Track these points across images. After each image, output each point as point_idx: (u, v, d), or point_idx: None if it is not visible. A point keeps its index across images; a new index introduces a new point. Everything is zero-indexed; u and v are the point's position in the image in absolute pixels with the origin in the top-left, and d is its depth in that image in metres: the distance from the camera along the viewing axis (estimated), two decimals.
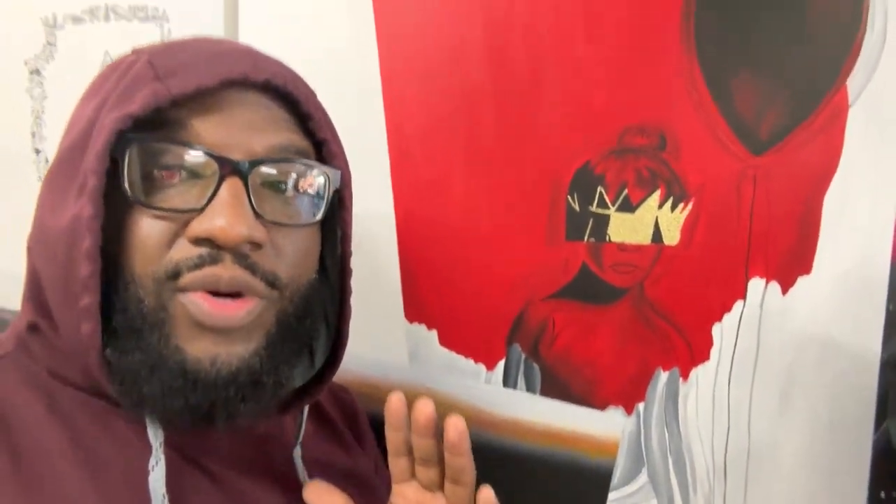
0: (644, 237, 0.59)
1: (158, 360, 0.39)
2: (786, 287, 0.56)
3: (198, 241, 0.39)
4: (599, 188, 0.59)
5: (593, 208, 0.60)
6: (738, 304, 0.57)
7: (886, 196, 0.53)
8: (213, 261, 0.39)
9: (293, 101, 0.43)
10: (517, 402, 0.62)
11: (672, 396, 0.58)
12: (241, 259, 0.39)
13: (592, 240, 0.60)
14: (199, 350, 0.39)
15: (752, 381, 0.57)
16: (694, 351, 0.58)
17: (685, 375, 0.58)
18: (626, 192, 0.59)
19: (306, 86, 0.45)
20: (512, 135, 0.62)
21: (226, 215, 0.38)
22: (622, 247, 0.59)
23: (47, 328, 0.43)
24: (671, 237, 0.58)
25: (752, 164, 0.56)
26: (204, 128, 0.40)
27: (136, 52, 0.43)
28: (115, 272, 0.39)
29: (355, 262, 0.49)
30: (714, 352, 0.57)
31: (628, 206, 0.59)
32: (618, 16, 0.58)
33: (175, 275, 0.39)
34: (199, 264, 0.39)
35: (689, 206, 0.57)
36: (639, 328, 0.59)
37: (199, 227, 0.38)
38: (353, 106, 0.67)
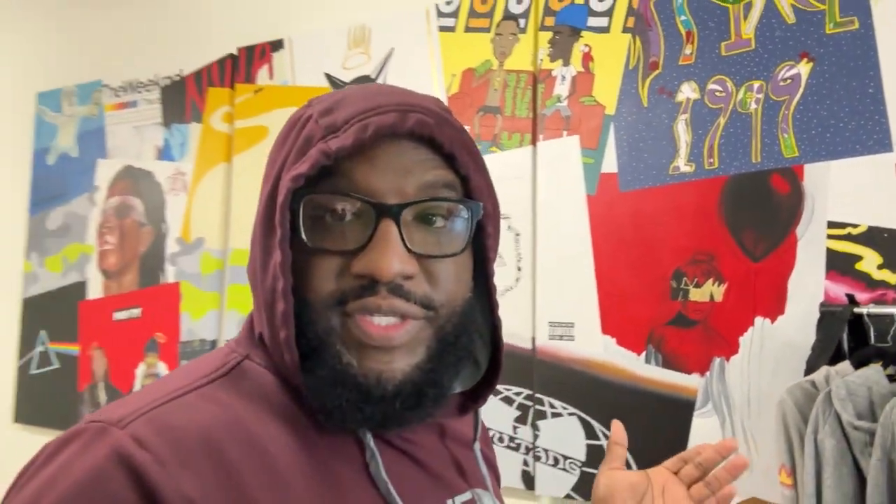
0: (705, 297, 1.34)
1: (336, 377, 0.46)
2: (773, 320, 1.29)
3: (359, 276, 0.46)
4: (684, 277, 1.36)
5: (682, 286, 1.36)
6: (751, 329, 1.30)
7: (816, 272, 1.25)
8: (373, 291, 0.46)
9: (438, 145, 0.48)
10: (652, 370, 1.39)
11: (721, 369, 1.33)
12: (397, 289, 0.46)
13: (681, 299, 1.37)
14: (366, 367, 0.47)
15: (759, 365, 1.30)
16: (731, 349, 1.32)
17: (727, 360, 1.33)
18: (696, 279, 1.35)
19: (452, 126, 0.50)
20: (647, 259, 1.41)
21: (381, 254, 0.45)
22: (695, 303, 1.35)
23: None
24: (717, 297, 1.33)
25: (753, 268, 1.30)
26: (362, 176, 0.46)
27: (310, 106, 0.50)
28: (302, 306, 0.47)
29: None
30: (741, 350, 1.31)
31: (697, 285, 1.35)
32: (690, 204, 1.36)
33: (341, 301, 0.47)
34: (361, 294, 0.46)
35: (725, 285, 1.32)
36: (706, 338, 1.34)
37: (360, 265, 0.46)
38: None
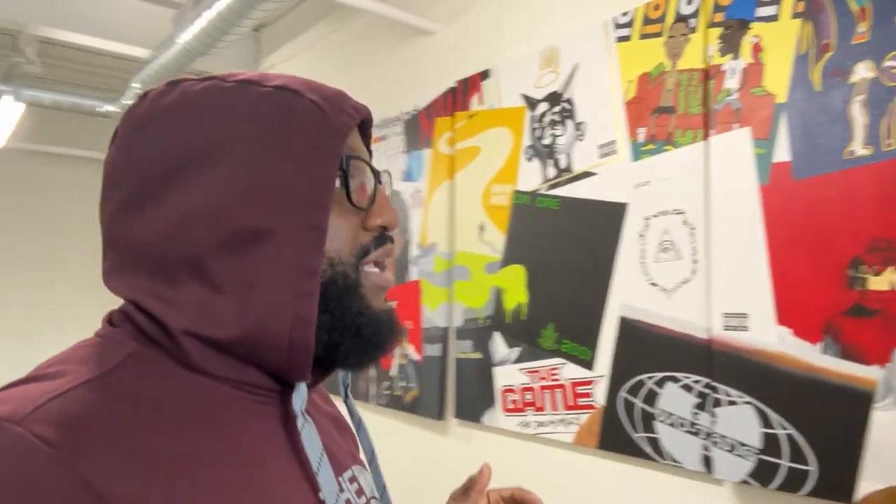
0: (884, 286, 1.27)
1: (372, 316, 0.53)
2: None
3: (376, 228, 0.55)
4: (862, 265, 1.31)
5: (860, 274, 1.31)
6: None
7: None
8: (386, 240, 0.56)
9: (366, 128, 0.60)
10: (829, 361, 1.36)
11: None
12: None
13: (859, 287, 1.31)
14: (385, 307, 0.56)
15: None
16: None
17: None
18: (875, 267, 1.29)
19: None
20: (822, 247, 1.38)
21: (392, 208, 0.56)
22: (875, 292, 1.29)
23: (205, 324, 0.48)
24: None
25: None
26: (360, 149, 0.55)
27: (293, 93, 0.52)
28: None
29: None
30: None
31: (877, 273, 1.28)
32: (868, 189, 1.30)
33: (365, 252, 0.54)
34: (381, 243, 0.55)
35: None
36: (886, 328, 1.27)
37: (381, 218, 0.55)
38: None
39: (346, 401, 0.65)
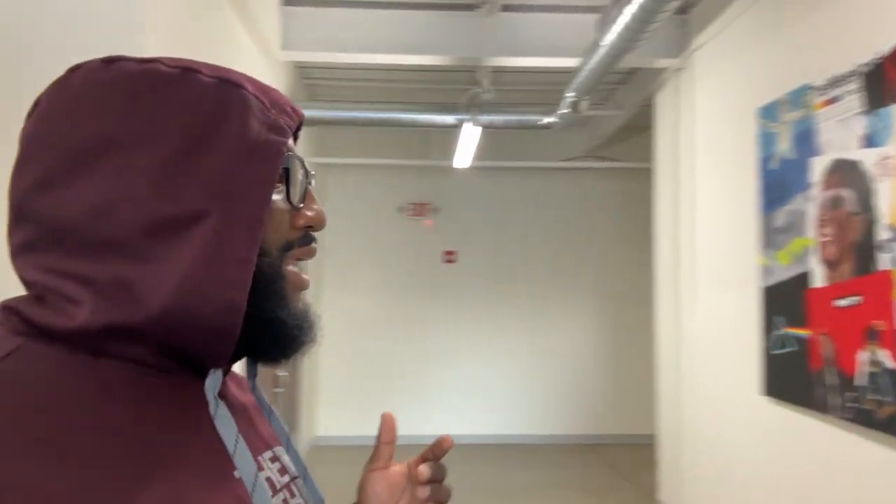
0: None
1: (293, 312, 0.53)
2: None
3: (302, 228, 0.55)
4: None
5: None
6: None
7: None
8: (311, 239, 0.56)
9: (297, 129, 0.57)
10: None
11: None
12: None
13: None
14: (301, 305, 0.55)
15: None
16: None
17: None
18: None
19: None
20: None
21: (319, 206, 0.56)
22: None
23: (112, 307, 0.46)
24: None
25: None
26: (291, 147, 0.54)
27: (236, 85, 0.51)
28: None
29: None
30: None
31: None
32: None
33: (287, 248, 0.54)
34: (306, 242, 0.55)
35: None
36: None
37: (309, 216, 0.55)
38: None
39: (252, 391, 0.63)
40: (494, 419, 5.79)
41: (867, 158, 2.06)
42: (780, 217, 2.58)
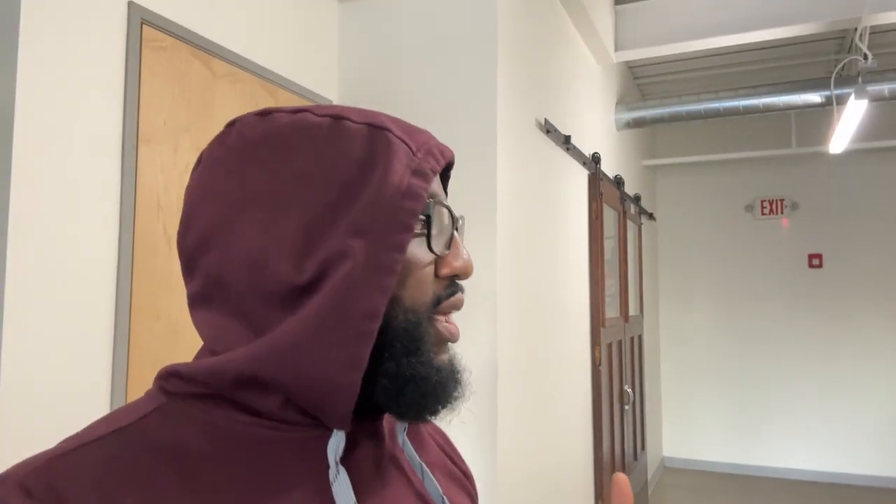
0: None
1: (434, 366, 0.49)
2: None
3: (448, 277, 0.52)
4: None
5: None
6: None
7: None
8: (457, 289, 0.53)
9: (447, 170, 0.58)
10: None
11: None
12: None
13: None
14: (447, 358, 0.52)
15: None
16: None
17: None
18: None
19: None
20: None
21: (466, 255, 0.54)
22: None
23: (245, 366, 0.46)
24: None
25: None
26: (439, 193, 0.53)
27: (384, 128, 0.50)
28: (392, 304, 0.48)
29: None
30: None
31: None
32: None
33: (437, 301, 0.51)
34: (452, 293, 0.52)
35: None
36: None
37: (456, 265, 0.52)
38: None
39: (403, 446, 0.58)
40: (864, 456, 4.73)
41: None
42: None
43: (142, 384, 1.45)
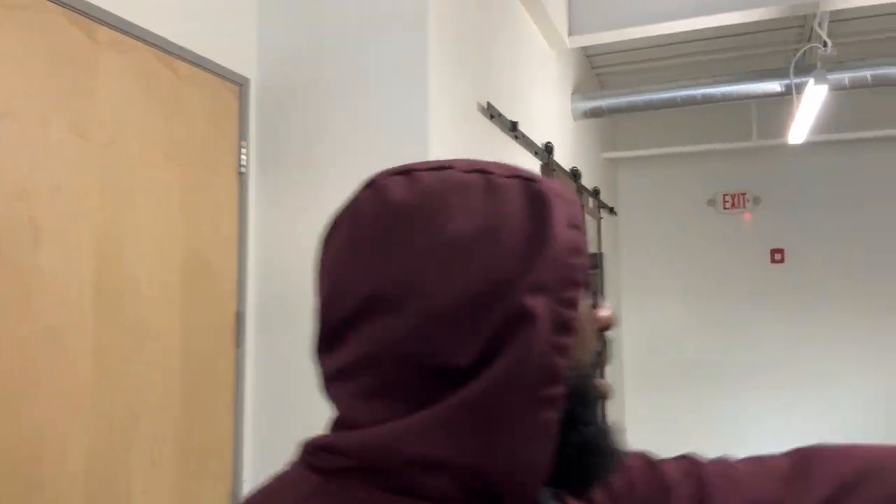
0: None
1: (602, 430, 0.47)
2: None
3: (600, 329, 0.51)
4: None
5: None
6: None
7: None
8: (605, 343, 0.52)
9: None
10: None
11: None
12: None
13: None
14: (605, 422, 0.48)
15: None
16: None
17: None
18: None
19: None
20: None
21: (610, 306, 0.52)
22: None
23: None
24: None
25: None
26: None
27: (504, 174, 0.48)
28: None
29: None
30: None
31: None
32: None
33: (598, 356, 0.50)
34: (605, 344, 0.51)
35: None
36: None
37: (609, 316, 0.51)
38: None
39: None
40: None
41: None
42: None
43: (7, 394, 1.25)
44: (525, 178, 0.48)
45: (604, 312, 0.50)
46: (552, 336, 0.43)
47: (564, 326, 0.44)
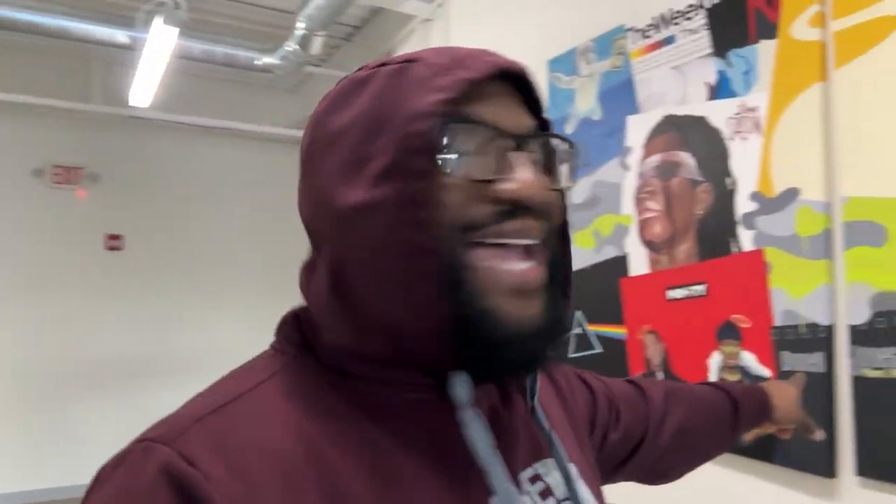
0: None
1: (485, 320, 0.45)
2: None
3: (501, 202, 0.46)
4: None
5: None
6: None
7: None
8: (513, 216, 0.47)
9: (529, 90, 0.52)
10: None
11: None
12: (539, 214, 0.48)
13: None
14: (510, 309, 0.46)
15: None
16: None
17: None
18: None
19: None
20: None
21: (530, 177, 0.47)
22: None
23: (339, 321, 0.49)
24: None
25: None
26: (490, 112, 0.48)
27: (402, 60, 0.50)
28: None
29: None
30: None
31: None
32: None
33: (471, 227, 0.46)
34: (501, 220, 0.46)
35: None
36: None
37: (510, 187, 0.46)
38: None
39: (531, 413, 0.56)
40: None
41: (717, 113, 1.65)
42: (580, 191, 2.10)
43: None
44: (413, 60, 0.49)
45: (505, 185, 0.47)
46: (402, 212, 0.45)
47: (413, 200, 0.45)
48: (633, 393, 0.80)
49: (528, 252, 0.48)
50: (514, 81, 0.51)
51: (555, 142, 0.52)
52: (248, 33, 3.48)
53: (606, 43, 2.02)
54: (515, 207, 0.47)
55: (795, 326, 1.44)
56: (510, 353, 0.47)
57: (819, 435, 1.13)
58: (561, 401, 0.68)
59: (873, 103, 1.32)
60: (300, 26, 2.69)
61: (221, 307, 4.65)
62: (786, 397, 0.98)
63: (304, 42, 2.75)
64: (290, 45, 2.79)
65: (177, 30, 2.57)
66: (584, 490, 0.57)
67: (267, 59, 2.98)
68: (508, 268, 0.47)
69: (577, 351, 2.08)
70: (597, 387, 0.76)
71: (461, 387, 0.47)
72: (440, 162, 0.45)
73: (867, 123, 1.33)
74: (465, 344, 0.46)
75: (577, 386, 0.73)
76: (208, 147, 4.59)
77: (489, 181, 0.47)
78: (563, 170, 0.53)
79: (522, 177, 0.47)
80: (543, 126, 0.53)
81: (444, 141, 0.45)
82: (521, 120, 0.50)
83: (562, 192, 0.53)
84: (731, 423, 0.89)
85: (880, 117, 1.30)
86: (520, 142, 0.48)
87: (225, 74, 4.07)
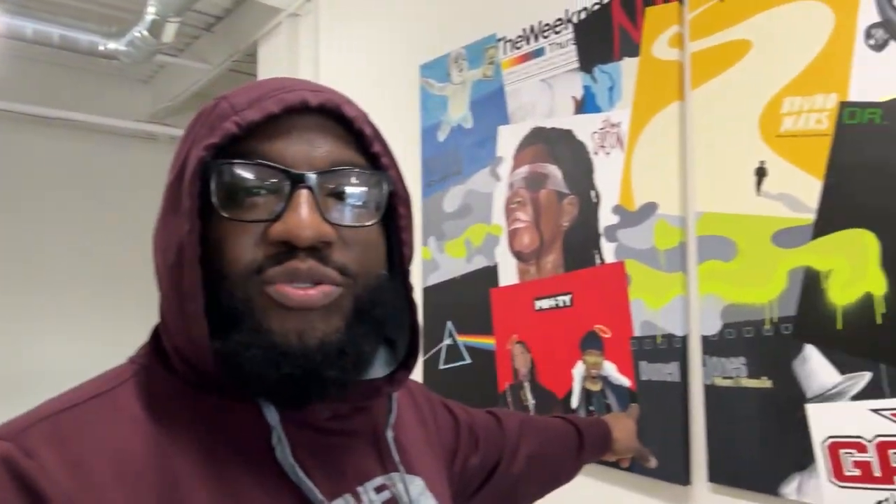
0: None
1: (254, 339, 0.47)
2: None
3: (277, 244, 0.48)
4: None
5: None
6: None
7: None
8: (292, 256, 0.48)
9: (347, 122, 0.52)
10: None
11: None
12: (314, 253, 0.48)
13: None
14: (287, 328, 0.48)
15: None
16: None
17: None
18: None
19: (358, 108, 0.54)
20: None
21: (299, 218, 0.47)
22: None
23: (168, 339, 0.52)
24: None
25: None
26: (274, 148, 0.49)
27: (220, 98, 0.52)
28: (216, 279, 0.49)
29: None
30: None
31: None
32: None
33: (259, 270, 0.48)
34: (280, 261, 0.48)
35: None
36: None
37: (279, 229, 0.47)
38: None
39: (384, 429, 0.61)
40: None
41: (583, 127, 1.67)
42: (453, 199, 2.07)
43: None
44: (217, 99, 0.51)
45: (274, 232, 0.47)
46: (166, 258, 0.48)
47: (168, 247, 0.48)
48: (492, 422, 0.87)
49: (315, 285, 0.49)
50: (335, 114, 0.51)
51: (353, 177, 0.51)
52: (91, 15, 3.14)
53: (478, 51, 2.01)
54: (289, 248, 0.47)
55: (653, 337, 1.48)
56: (285, 368, 0.48)
57: (653, 462, 1.30)
58: (420, 422, 0.72)
59: (726, 123, 1.38)
60: (150, 11, 2.46)
61: (50, 321, 4.16)
62: (624, 429, 1.10)
63: (155, 28, 2.51)
64: (139, 31, 2.54)
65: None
66: (429, 501, 0.61)
67: (112, 45, 2.70)
68: (284, 293, 0.48)
69: (446, 362, 2.05)
70: (460, 415, 0.82)
71: (267, 409, 0.50)
72: (214, 203, 0.47)
73: (720, 142, 1.40)
74: (234, 377, 0.48)
75: (441, 413, 0.79)
76: (44, 139, 4.10)
77: (265, 221, 0.47)
78: (370, 204, 0.52)
79: (291, 217, 0.47)
80: (374, 158, 0.53)
81: (213, 183, 0.47)
82: (316, 155, 0.50)
83: (385, 225, 0.54)
84: (577, 453, 0.97)
85: (732, 137, 1.37)
86: (296, 179, 0.48)
87: (66, 59, 3.66)
